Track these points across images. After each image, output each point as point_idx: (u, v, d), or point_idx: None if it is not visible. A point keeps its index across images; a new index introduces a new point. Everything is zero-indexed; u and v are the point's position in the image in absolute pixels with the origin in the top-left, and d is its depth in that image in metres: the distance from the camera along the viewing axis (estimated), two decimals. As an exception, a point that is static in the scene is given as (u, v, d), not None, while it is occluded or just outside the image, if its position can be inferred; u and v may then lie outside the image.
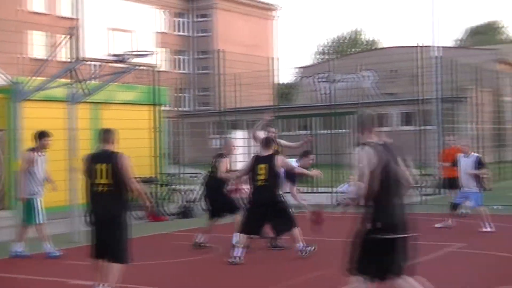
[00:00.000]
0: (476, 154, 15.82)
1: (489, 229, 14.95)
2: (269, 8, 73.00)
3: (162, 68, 54.84)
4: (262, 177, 12.11)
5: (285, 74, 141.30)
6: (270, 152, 12.53)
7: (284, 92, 73.12)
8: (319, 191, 24.00)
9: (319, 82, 56.59)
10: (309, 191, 24.60)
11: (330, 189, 23.15)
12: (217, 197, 13.72)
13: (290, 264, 11.91)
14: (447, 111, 25.97)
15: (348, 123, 25.40)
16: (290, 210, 12.36)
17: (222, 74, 23.93)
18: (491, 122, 31.05)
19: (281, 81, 72.79)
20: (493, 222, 15.09)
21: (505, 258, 11.94)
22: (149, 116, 20.83)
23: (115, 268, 9.06)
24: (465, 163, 15.45)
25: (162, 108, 22.80)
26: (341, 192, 22.19)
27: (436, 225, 15.72)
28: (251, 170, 12.24)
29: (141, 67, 16.01)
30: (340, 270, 7.56)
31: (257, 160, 12.36)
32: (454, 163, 16.04)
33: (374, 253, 7.23)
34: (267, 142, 12.62)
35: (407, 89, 43.96)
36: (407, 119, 44.45)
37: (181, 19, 66.62)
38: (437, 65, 24.79)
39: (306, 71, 61.29)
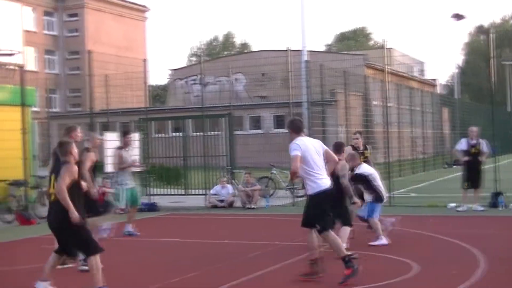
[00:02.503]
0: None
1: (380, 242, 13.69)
2: (141, 9, 72.35)
3: (31, 68, 53.64)
4: None
5: (158, 76, 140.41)
6: None
7: (157, 94, 72.80)
8: (192, 193, 23.98)
9: (192, 84, 56.64)
10: (182, 193, 24.58)
11: (202, 191, 23.14)
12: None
13: (164, 267, 11.82)
14: (317, 114, 26.41)
15: (220, 126, 25.52)
16: None
17: (92, 75, 23.48)
18: (360, 125, 31.83)
19: (153, 83, 72.48)
20: (365, 222, 15.32)
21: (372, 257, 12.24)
22: (17, 117, 20.19)
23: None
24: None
25: (31, 109, 22.15)
26: (214, 194, 22.24)
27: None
28: None
29: (7, 66, 15.50)
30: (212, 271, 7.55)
31: None
32: None
33: None
34: None
35: (277, 92, 44.63)
36: (279, 122, 45.03)
37: (50, 18, 65.06)
38: (306, 69, 25.17)
39: (179, 73, 61.18)
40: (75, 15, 65.55)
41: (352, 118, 30.72)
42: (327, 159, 10.48)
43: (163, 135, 27.31)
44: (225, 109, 27.39)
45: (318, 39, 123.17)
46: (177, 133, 27.13)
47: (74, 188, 9.52)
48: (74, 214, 9.30)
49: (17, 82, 21.34)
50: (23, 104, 20.20)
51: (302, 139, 10.31)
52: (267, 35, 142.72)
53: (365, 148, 15.37)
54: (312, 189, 10.22)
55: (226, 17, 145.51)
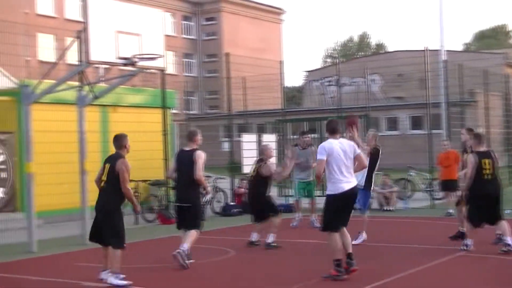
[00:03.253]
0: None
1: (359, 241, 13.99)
2: (276, 11, 72.96)
3: (170, 71, 55.16)
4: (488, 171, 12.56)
5: (293, 78, 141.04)
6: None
7: (293, 95, 73.15)
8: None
9: (327, 85, 56.56)
10: (321, 195, 24.52)
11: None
12: (258, 201, 14.10)
13: (303, 267, 11.86)
14: (456, 115, 25.84)
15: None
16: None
17: (230, 77, 23.84)
18: (501, 126, 30.86)
19: (289, 85, 72.90)
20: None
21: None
22: (158, 119, 20.79)
23: (112, 253, 10.49)
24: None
25: (171, 111, 22.75)
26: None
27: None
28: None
29: (149, 70, 15.96)
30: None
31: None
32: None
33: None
34: None
35: (413, 93, 43.85)
36: (416, 123, 44.28)
37: (188, 22, 66.67)
38: (444, 69, 24.70)
39: (313, 75, 61.22)
40: (212, 19, 66.87)
41: (492, 119, 29.83)
42: (358, 164, 10.87)
43: (299, 136, 27.34)
44: (361, 110, 27.18)
45: (456, 38, 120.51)
46: (313, 134, 27.11)
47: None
48: (137, 206, 11.01)
49: (158, 85, 21.98)
50: (164, 107, 20.77)
51: (330, 142, 10.66)
52: (403, 35, 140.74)
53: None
54: (329, 190, 10.71)
55: (361, 18, 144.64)
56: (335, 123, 11.05)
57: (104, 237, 10.63)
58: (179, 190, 12.21)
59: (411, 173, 24.50)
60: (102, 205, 10.56)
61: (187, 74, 63.74)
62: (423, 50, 23.56)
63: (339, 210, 10.64)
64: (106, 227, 10.54)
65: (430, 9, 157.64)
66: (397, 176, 24.46)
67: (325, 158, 10.50)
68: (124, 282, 10.32)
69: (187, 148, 12.23)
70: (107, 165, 10.62)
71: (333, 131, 10.80)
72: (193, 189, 12.05)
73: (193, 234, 11.93)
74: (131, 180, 19.01)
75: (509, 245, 12.33)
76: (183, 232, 12.10)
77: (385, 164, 27.60)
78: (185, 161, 12.03)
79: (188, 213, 12.04)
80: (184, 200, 12.00)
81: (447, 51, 28.41)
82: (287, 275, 11.26)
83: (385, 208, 21.08)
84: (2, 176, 15.38)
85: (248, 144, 22.84)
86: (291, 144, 18.37)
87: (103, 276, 10.66)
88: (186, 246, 11.76)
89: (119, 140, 10.77)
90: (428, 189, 23.04)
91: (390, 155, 37.71)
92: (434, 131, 23.13)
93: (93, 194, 16.72)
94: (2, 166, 15.43)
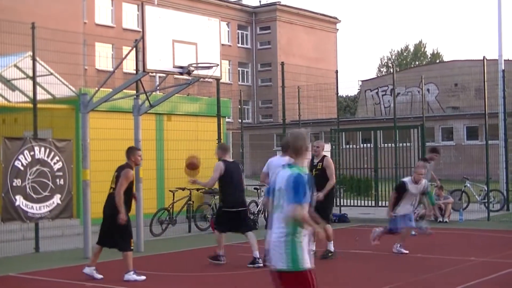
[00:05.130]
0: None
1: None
2: (331, 20, 72.80)
3: (225, 80, 55.33)
4: None
5: (347, 87, 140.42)
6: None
7: (347, 105, 72.88)
8: (382, 205, 23.76)
9: (382, 95, 56.28)
10: (372, 205, 24.44)
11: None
12: None
13: (359, 279, 11.79)
14: (514, 125, 25.42)
15: (410, 137, 25.15)
16: None
17: (285, 86, 23.86)
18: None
19: (343, 94, 72.66)
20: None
21: None
22: (212, 128, 20.89)
23: (123, 256, 11.61)
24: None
25: (225, 120, 22.84)
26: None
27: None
28: None
29: (205, 79, 16.05)
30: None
31: None
32: None
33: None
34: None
35: (471, 103, 43.36)
36: (471, 133, 43.73)
37: (243, 32, 66.94)
38: (503, 79, 24.37)
39: (369, 84, 61.00)
40: (267, 28, 67.02)
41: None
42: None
43: (353, 146, 27.26)
44: (416, 120, 26.98)
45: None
46: (366, 144, 27.01)
47: (129, 190, 11.63)
48: (123, 215, 11.39)
49: (213, 94, 22.10)
50: (219, 115, 20.85)
51: (273, 158, 12.80)
52: (460, 44, 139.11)
53: None
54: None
55: (417, 27, 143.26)
56: (284, 143, 11.43)
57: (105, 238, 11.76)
58: (237, 196, 13.14)
59: (466, 184, 24.19)
60: (105, 208, 11.77)
61: (241, 83, 63.97)
62: (480, 60, 23.29)
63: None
64: (114, 231, 11.60)
65: (489, 18, 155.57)
66: (452, 187, 24.19)
67: (265, 171, 12.69)
68: (138, 278, 11.49)
69: (231, 160, 13.57)
70: (115, 174, 11.79)
71: (283, 149, 11.77)
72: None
73: (254, 236, 12.98)
74: (184, 188, 19.41)
75: None
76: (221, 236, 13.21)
77: (440, 174, 27.39)
78: (237, 170, 13.25)
79: (244, 215, 13.40)
80: (243, 204, 13.26)
81: (506, 60, 28.03)
82: (346, 281, 11.21)
83: (440, 219, 20.84)
84: (59, 183, 15.57)
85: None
86: (421, 159, 19.60)
87: (85, 271, 11.82)
88: (258, 253, 12.62)
89: (128, 151, 12.10)
90: (484, 200, 22.72)
91: (445, 165, 37.40)
92: (491, 141, 22.81)
93: (147, 202, 16.94)
94: (59, 173, 15.62)
